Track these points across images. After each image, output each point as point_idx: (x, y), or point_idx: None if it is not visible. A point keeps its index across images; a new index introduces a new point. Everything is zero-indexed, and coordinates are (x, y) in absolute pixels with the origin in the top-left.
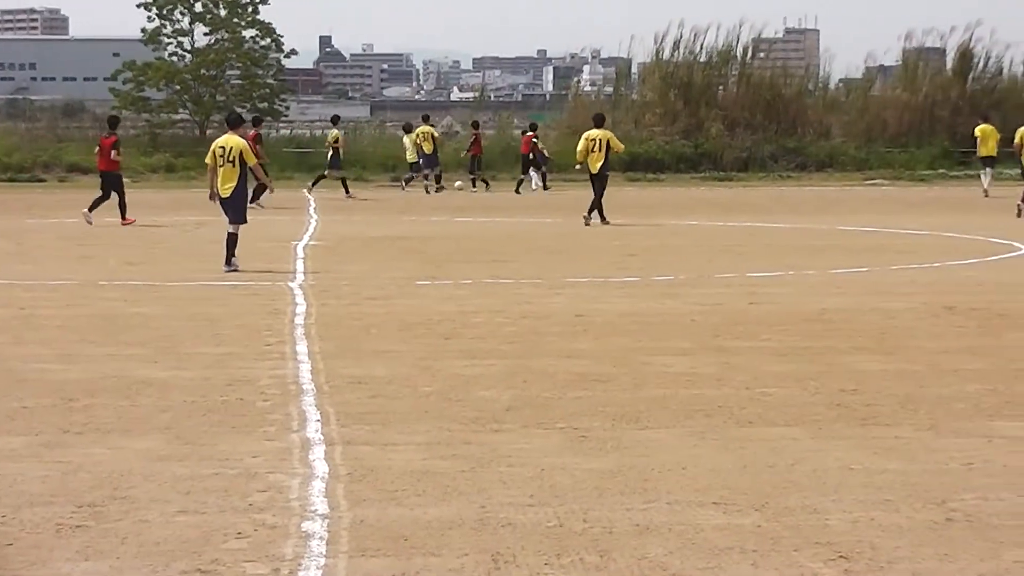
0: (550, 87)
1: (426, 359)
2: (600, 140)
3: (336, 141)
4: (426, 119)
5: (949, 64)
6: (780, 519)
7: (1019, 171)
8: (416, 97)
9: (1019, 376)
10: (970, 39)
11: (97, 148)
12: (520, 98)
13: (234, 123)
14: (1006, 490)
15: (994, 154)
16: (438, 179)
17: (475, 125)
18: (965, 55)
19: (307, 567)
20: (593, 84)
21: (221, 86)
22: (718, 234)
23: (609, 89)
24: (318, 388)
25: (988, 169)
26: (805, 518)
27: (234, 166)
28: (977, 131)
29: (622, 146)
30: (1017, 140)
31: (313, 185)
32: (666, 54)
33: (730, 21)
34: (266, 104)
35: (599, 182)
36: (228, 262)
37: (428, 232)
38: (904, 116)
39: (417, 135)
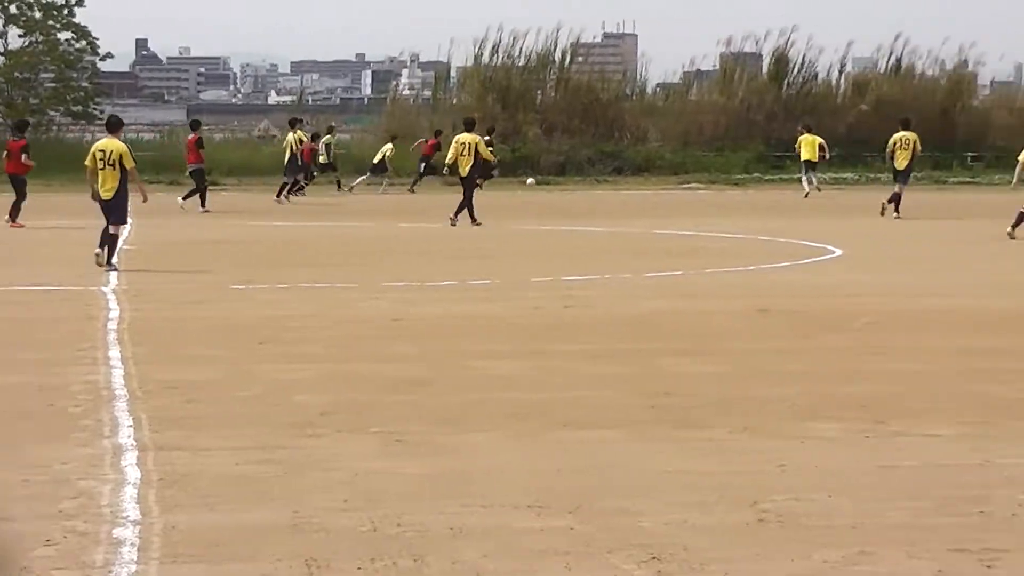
0: (369, 91)
1: (241, 364)
2: (469, 144)
3: (299, 144)
4: (293, 124)
5: (765, 69)
6: (594, 521)
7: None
8: (233, 101)
9: (831, 378)
10: (786, 44)
11: (5, 152)
12: (338, 102)
13: (114, 127)
14: (817, 491)
15: (815, 159)
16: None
17: (437, 133)
18: (781, 60)
19: (118, 574)
20: (412, 88)
21: (35, 89)
22: (535, 238)
23: (428, 93)
24: (131, 393)
25: (811, 174)
26: (619, 520)
27: (115, 169)
28: (800, 139)
29: (490, 153)
30: (889, 146)
31: (291, 192)
32: (485, 58)
33: (549, 25)
34: (80, 107)
35: (468, 184)
36: (108, 261)
37: (247, 236)
38: (720, 120)
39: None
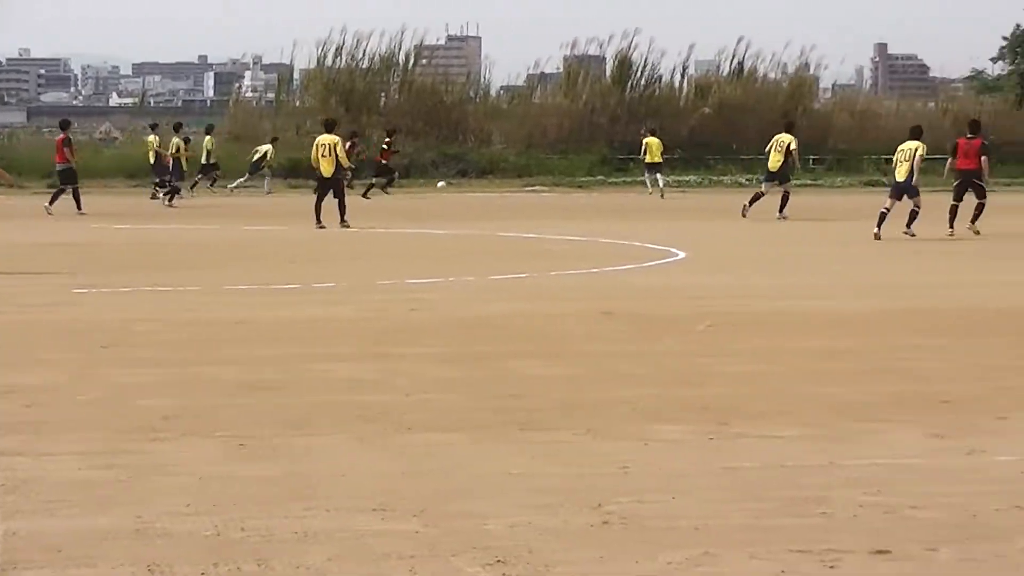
0: (211, 93)
1: (83, 368)
2: (329, 146)
3: (177, 150)
4: (177, 128)
5: (608, 72)
6: (439, 524)
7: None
8: (74, 103)
9: (675, 380)
10: (629, 47)
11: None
12: (180, 104)
13: None
14: (661, 492)
15: (660, 160)
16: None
17: (389, 133)
18: (624, 63)
19: None
20: (255, 90)
21: None
22: (379, 241)
23: (272, 95)
24: None
25: (657, 175)
26: (464, 523)
27: None
28: (645, 142)
29: (345, 157)
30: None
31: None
32: (328, 60)
33: (393, 27)
34: None
35: (332, 185)
36: None
37: (89, 239)
38: (564, 123)
39: (174, 144)
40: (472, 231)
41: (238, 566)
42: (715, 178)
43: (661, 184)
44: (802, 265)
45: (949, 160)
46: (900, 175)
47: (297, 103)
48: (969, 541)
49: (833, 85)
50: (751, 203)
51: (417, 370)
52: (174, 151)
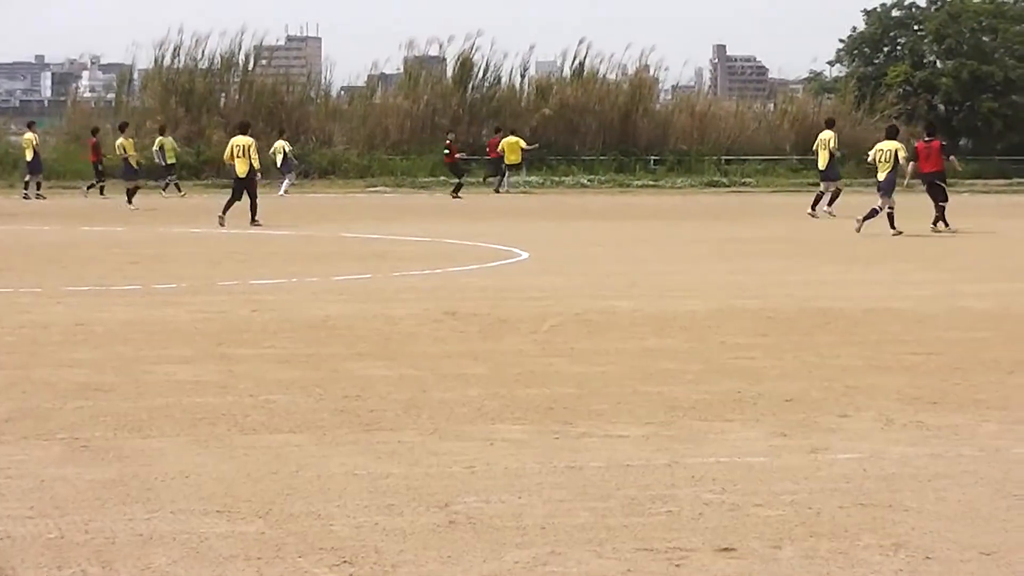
0: (48, 93)
1: None
2: (243, 147)
3: (124, 150)
4: (122, 128)
5: (450, 73)
6: (284, 526)
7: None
8: None
9: (519, 380)
10: (471, 48)
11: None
12: (18, 104)
13: None
14: (506, 492)
15: (519, 160)
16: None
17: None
18: (465, 64)
19: None
20: (93, 90)
21: None
22: (221, 241)
23: (111, 96)
24: None
25: (512, 175)
26: (309, 524)
27: None
28: (503, 142)
29: (256, 158)
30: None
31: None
32: (167, 61)
33: (232, 28)
34: None
35: (249, 185)
36: None
37: None
38: (405, 124)
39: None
40: (315, 232)
41: (82, 569)
42: (557, 179)
43: (507, 183)
44: (643, 265)
45: (912, 164)
46: (881, 175)
47: (136, 103)
48: (812, 538)
49: (673, 86)
50: (826, 204)
51: (259, 371)
52: (122, 151)
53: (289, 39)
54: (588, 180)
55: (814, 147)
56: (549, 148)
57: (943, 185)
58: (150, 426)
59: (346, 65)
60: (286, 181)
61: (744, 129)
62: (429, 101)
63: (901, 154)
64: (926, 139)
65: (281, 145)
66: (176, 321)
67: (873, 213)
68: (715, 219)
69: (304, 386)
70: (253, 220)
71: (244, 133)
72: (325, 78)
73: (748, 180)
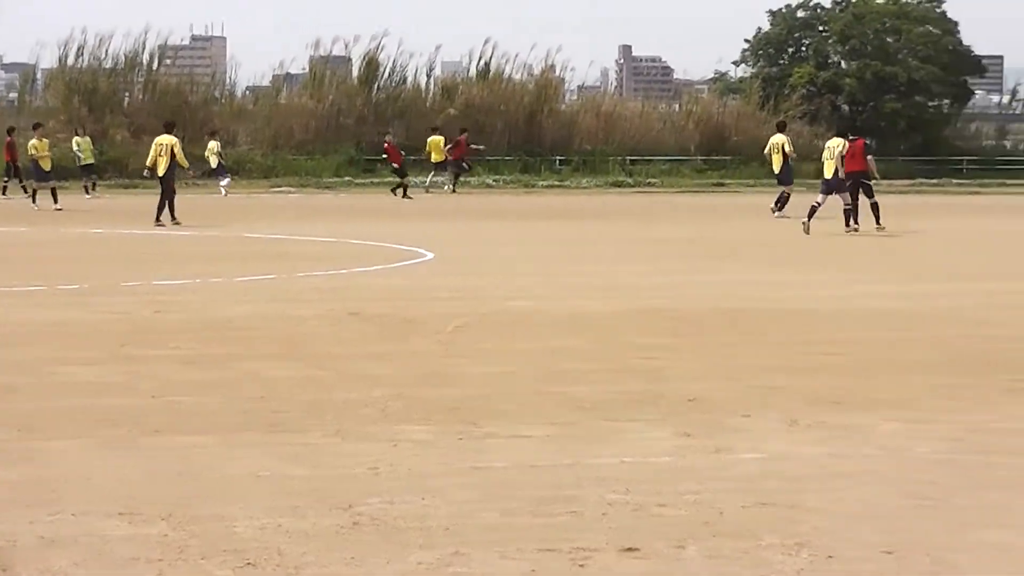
0: None
1: None
2: (166, 146)
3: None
4: (36, 127)
5: (355, 73)
6: (187, 527)
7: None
8: None
9: (423, 381)
10: (376, 48)
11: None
12: None
13: None
14: (410, 493)
15: (443, 159)
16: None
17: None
18: (371, 64)
19: None
20: None
21: None
22: (124, 242)
23: (13, 95)
24: None
25: (439, 174)
26: (213, 526)
27: None
28: (428, 141)
29: (183, 158)
30: (767, 149)
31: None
32: (71, 60)
33: (136, 27)
34: None
35: (165, 184)
36: None
37: None
38: (311, 124)
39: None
40: (219, 232)
41: None
42: (462, 179)
43: (428, 183)
44: (548, 266)
45: (838, 163)
46: (827, 172)
47: (39, 103)
48: (716, 538)
49: (579, 87)
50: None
51: (163, 373)
52: (34, 152)
53: (194, 39)
54: (494, 180)
55: (766, 151)
56: (451, 149)
57: (868, 183)
58: (53, 428)
59: (251, 65)
60: (226, 180)
61: (649, 129)
62: (334, 101)
63: (839, 151)
64: (850, 138)
65: (215, 146)
66: (80, 322)
67: (814, 209)
68: (621, 219)
69: (208, 387)
70: (158, 220)
71: (169, 132)
72: (230, 78)
73: (653, 180)
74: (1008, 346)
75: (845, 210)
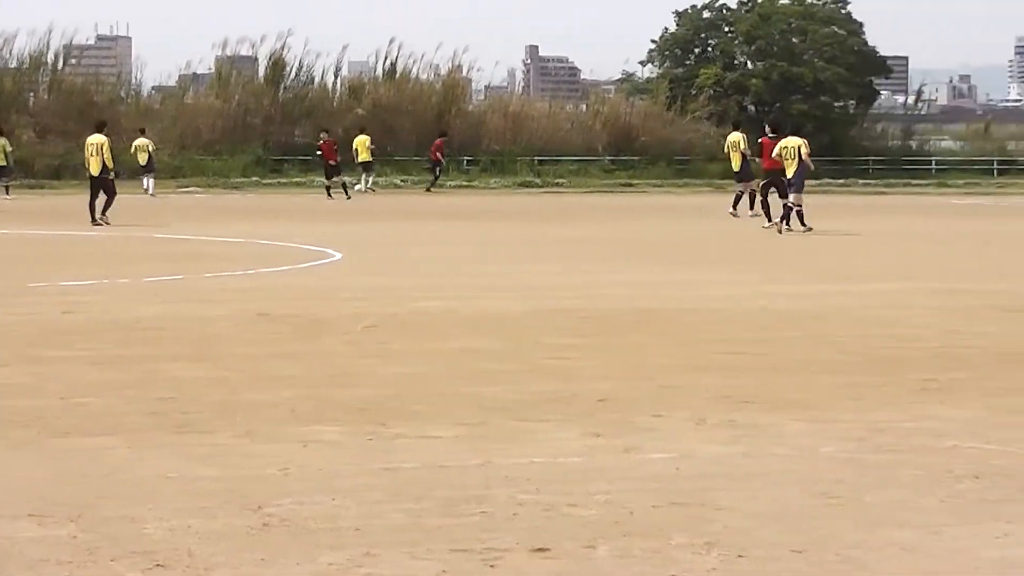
0: None
1: None
2: (97, 145)
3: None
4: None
5: (262, 73)
6: (97, 529)
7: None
8: None
9: (332, 381)
10: (283, 48)
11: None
12: None
13: None
14: (320, 493)
15: (370, 159)
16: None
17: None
18: (277, 64)
19: None
20: None
21: None
22: (31, 243)
23: None
24: None
25: (367, 174)
26: (122, 527)
27: None
28: (355, 141)
29: (110, 158)
30: (725, 148)
31: None
32: None
33: (41, 27)
34: None
35: (99, 183)
36: None
37: None
38: (217, 124)
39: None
40: (126, 232)
41: None
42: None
43: (370, 183)
44: (457, 266)
45: (758, 160)
46: (789, 171)
47: None
48: (626, 538)
49: (486, 87)
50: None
51: (71, 374)
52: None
53: (99, 38)
54: (402, 180)
55: (725, 149)
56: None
57: (784, 181)
58: None
59: (157, 64)
60: (150, 180)
61: (557, 130)
62: (241, 101)
63: (804, 150)
64: (771, 136)
65: (145, 143)
66: None
67: (788, 211)
68: (529, 220)
69: (116, 388)
70: (95, 219)
71: (99, 132)
72: (136, 77)
73: (561, 181)
74: (910, 345)
75: (798, 211)
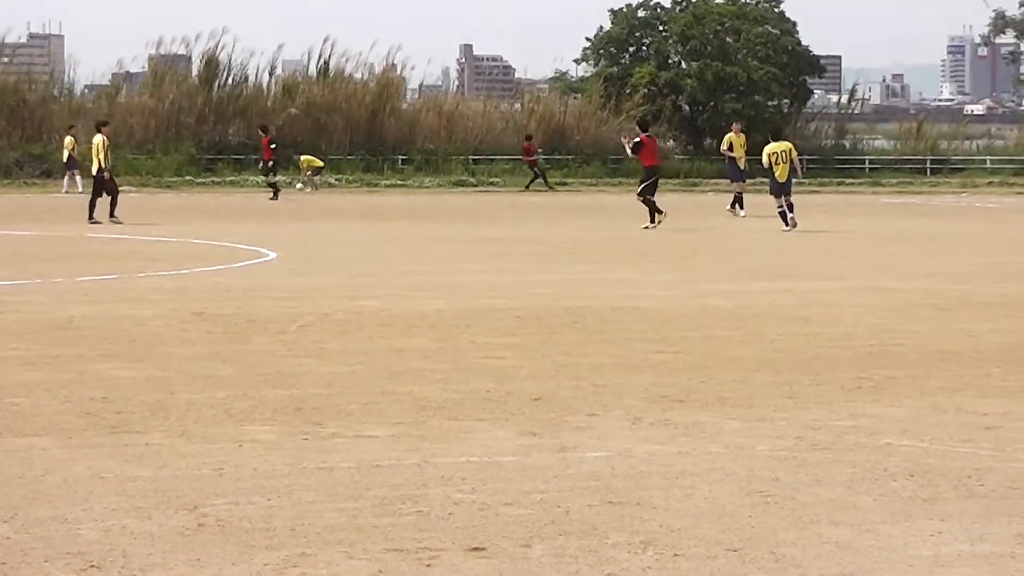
0: None
1: None
2: (96, 145)
3: None
4: None
5: (195, 71)
6: (30, 530)
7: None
8: None
9: (267, 381)
10: (216, 47)
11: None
12: None
13: None
14: (256, 494)
15: (321, 165)
16: None
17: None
18: (211, 63)
19: None
20: None
21: None
22: None
23: None
24: None
25: (316, 177)
26: (56, 528)
27: None
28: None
29: (103, 156)
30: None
31: None
32: None
33: None
34: None
35: (102, 183)
36: None
37: None
38: (151, 123)
39: None
40: (59, 232)
41: None
42: (303, 178)
43: (316, 182)
44: (391, 265)
45: (636, 158)
46: (781, 176)
47: None
48: (562, 537)
49: (420, 85)
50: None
51: (3, 374)
52: None
53: (31, 36)
54: (336, 179)
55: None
56: (296, 147)
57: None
58: None
59: (91, 63)
60: (71, 179)
61: (491, 129)
62: (175, 100)
63: (794, 154)
64: (646, 134)
65: (69, 141)
66: None
67: (785, 212)
68: (463, 219)
69: (49, 388)
70: (92, 217)
71: (98, 131)
72: (68, 76)
73: (495, 180)
74: (844, 344)
75: (780, 212)
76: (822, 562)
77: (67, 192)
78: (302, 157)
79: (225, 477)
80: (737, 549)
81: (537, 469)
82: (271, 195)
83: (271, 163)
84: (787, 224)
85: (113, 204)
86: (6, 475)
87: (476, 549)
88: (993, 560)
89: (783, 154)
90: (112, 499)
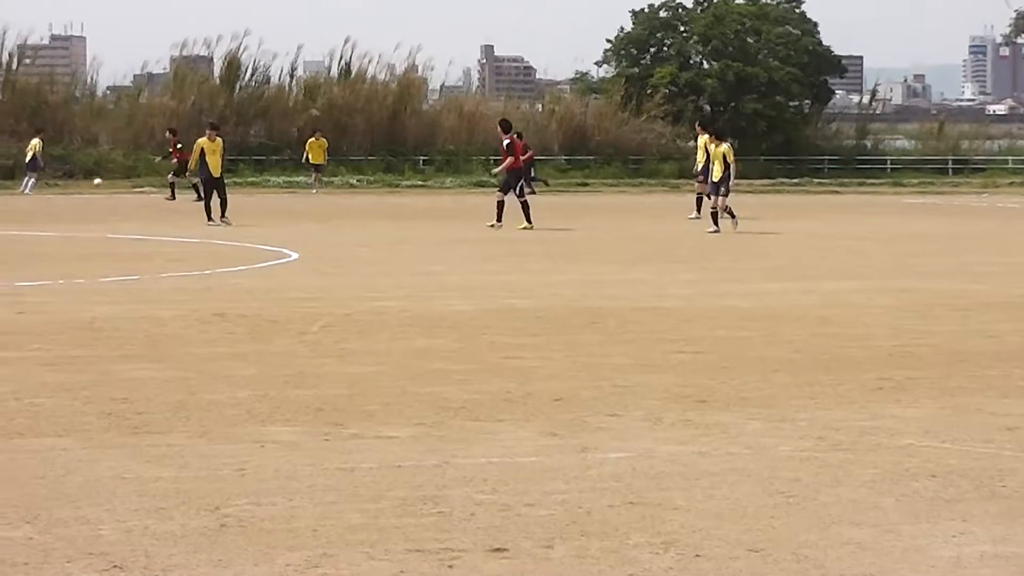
0: None
1: None
2: (209, 147)
3: None
4: None
5: (217, 73)
6: (52, 531)
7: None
8: None
9: (288, 382)
10: (238, 48)
11: None
12: None
13: None
14: (278, 494)
15: (324, 161)
16: None
17: (172, 132)
18: (232, 64)
19: None
20: None
21: None
22: None
23: None
24: None
25: (318, 175)
26: (78, 529)
27: None
28: (309, 142)
29: (194, 160)
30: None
31: None
32: None
33: None
34: None
35: (215, 185)
36: None
37: None
38: (172, 124)
39: None
40: (81, 233)
41: None
42: (325, 179)
43: (321, 183)
44: (413, 266)
45: (510, 160)
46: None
47: None
48: (584, 538)
49: (441, 86)
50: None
51: (25, 374)
52: None
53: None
54: (357, 180)
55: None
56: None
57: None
58: None
59: (113, 65)
60: (31, 180)
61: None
62: (196, 101)
63: (731, 156)
64: (516, 136)
65: (36, 143)
66: None
67: (717, 213)
68: (484, 219)
69: (71, 389)
70: (223, 215)
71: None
72: (91, 78)
73: None
74: (865, 344)
75: (712, 212)
76: (844, 563)
77: (25, 193)
78: (309, 141)
79: (247, 478)
80: (759, 550)
81: (558, 470)
82: (168, 195)
83: (178, 162)
84: (716, 225)
85: (223, 205)
86: (28, 475)
87: (497, 550)
88: (1015, 561)
89: (719, 155)
90: (134, 500)
